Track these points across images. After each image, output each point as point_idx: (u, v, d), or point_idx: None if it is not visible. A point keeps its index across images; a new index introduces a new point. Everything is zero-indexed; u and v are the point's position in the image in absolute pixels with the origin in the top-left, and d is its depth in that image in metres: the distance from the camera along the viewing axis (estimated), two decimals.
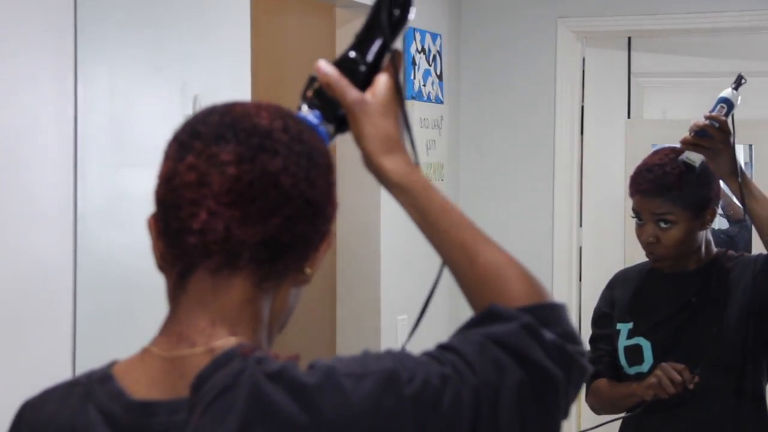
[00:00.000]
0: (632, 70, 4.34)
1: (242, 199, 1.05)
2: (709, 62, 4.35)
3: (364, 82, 1.18)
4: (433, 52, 3.98)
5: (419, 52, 3.86)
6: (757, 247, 4.04)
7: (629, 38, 4.32)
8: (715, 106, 2.40)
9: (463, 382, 1.01)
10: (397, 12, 1.19)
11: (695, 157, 2.40)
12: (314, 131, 1.13)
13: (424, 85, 3.90)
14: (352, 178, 3.75)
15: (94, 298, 2.36)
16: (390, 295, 3.58)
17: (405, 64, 1.12)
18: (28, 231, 2.24)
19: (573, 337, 1.09)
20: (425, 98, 3.90)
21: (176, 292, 1.09)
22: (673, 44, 4.39)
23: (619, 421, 2.60)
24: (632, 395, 2.45)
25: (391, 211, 3.61)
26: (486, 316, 1.08)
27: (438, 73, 4.01)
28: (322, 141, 1.14)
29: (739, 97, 2.44)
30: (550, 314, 1.09)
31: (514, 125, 4.24)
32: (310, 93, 1.18)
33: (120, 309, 2.43)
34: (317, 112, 1.16)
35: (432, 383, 1.00)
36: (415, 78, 3.82)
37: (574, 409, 4.09)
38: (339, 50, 4.09)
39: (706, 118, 2.37)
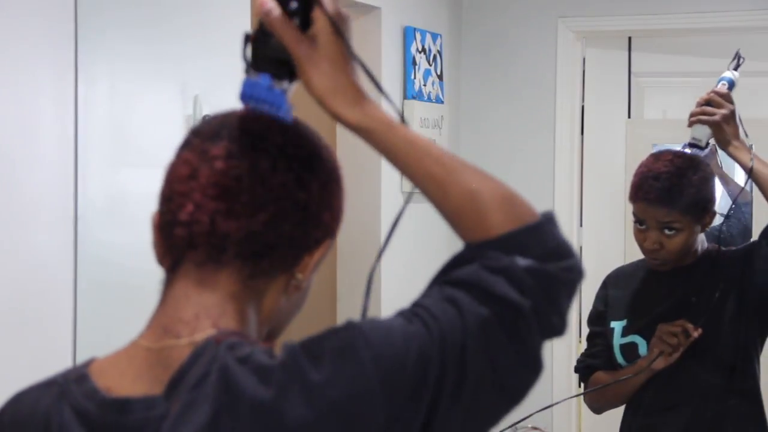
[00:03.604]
0: (632, 70, 4.34)
1: (228, 192, 1.06)
2: (709, 62, 4.33)
3: (302, 23, 1.08)
4: (433, 51, 3.97)
5: (419, 52, 3.86)
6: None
7: (629, 38, 4.32)
8: (718, 84, 2.48)
9: (429, 333, 1.01)
10: None
11: (701, 134, 2.43)
12: (319, 145, 1.12)
13: (425, 85, 3.89)
14: (352, 179, 3.74)
15: (94, 298, 2.36)
16: (390, 295, 3.57)
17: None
18: (28, 231, 2.24)
19: (557, 253, 1.07)
20: (426, 98, 3.89)
21: (165, 286, 1.10)
22: (673, 44, 4.40)
23: (619, 421, 2.61)
24: (639, 368, 2.44)
25: (391, 212, 3.61)
26: (449, 265, 1.08)
27: (438, 72, 4.01)
28: (331, 156, 1.13)
29: (737, 75, 2.53)
30: (528, 238, 1.07)
31: (514, 125, 4.24)
32: (254, 53, 1.09)
33: (120, 309, 2.42)
34: (266, 76, 1.08)
35: (394, 341, 1.01)
36: (415, 78, 3.82)
37: (574, 409, 4.08)
38: None
39: (711, 93, 2.44)
